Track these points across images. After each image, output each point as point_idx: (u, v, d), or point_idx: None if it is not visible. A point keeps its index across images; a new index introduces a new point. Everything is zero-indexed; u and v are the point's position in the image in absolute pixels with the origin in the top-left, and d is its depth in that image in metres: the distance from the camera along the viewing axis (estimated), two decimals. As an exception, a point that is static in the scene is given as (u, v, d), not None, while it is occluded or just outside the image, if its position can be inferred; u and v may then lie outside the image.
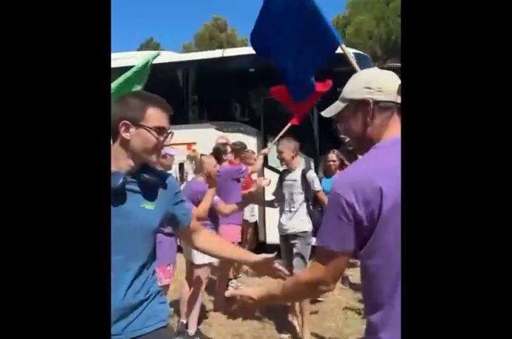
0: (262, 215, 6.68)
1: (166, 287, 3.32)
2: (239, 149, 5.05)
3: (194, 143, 6.92)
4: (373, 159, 1.29)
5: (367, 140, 1.35)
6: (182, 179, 3.95)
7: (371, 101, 1.32)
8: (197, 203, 3.52)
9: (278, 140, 4.77)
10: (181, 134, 6.95)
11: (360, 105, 1.34)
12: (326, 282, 1.29)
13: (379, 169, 1.23)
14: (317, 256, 1.30)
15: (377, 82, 1.32)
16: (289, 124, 4.85)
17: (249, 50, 7.38)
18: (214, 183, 3.54)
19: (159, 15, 55.33)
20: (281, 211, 4.02)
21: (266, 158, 6.47)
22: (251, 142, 6.45)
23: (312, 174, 3.98)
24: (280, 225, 4.02)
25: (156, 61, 7.54)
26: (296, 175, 3.96)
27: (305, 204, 3.95)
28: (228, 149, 4.69)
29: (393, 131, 1.32)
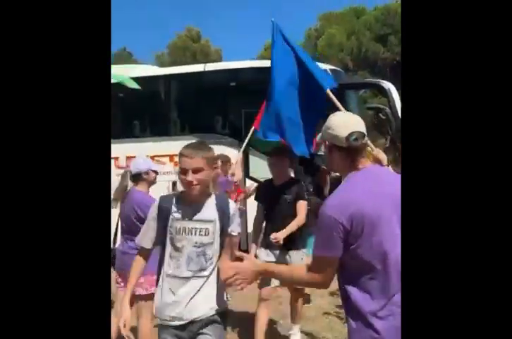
0: (244, 223, 6.85)
1: (153, 295, 3.30)
2: (226, 160, 5.23)
3: (177, 155, 7.05)
4: (350, 187, 1.67)
5: (338, 169, 1.79)
6: None
7: (327, 142, 1.73)
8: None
9: (246, 147, 4.85)
10: (164, 146, 7.11)
11: (324, 143, 1.77)
12: (325, 283, 1.65)
13: (357, 195, 1.60)
14: (315, 266, 1.65)
15: (334, 130, 1.70)
16: (252, 128, 4.47)
17: (229, 65, 7.63)
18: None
19: (132, 25, 54.95)
20: (170, 277, 2.18)
21: (247, 168, 6.69)
22: (233, 153, 6.62)
23: (233, 208, 2.24)
24: (165, 304, 2.17)
25: (139, 74, 7.69)
26: (210, 212, 2.18)
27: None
28: (219, 163, 4.86)
29: (357, 164, 1.70)
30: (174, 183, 3.79)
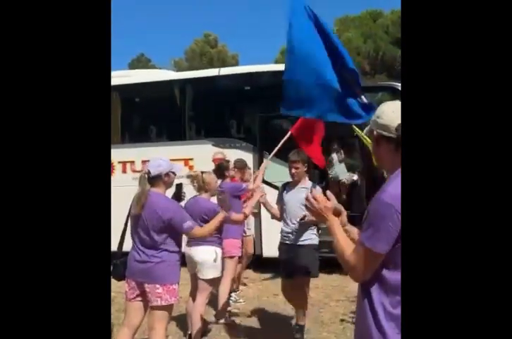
0: (259, 228, 6.82)
1: (171, 306, 3.16)
2: (242, 166, 5.20)
3: (192, 159, 7.09)
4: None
5: (384, 164, 1.62)
6: (179, 199, 3.76)
7: (375, 132, 1.58)
8: (203, 221, 3.67)
9: (274, 155, 4.78)
10: (179, 150, 7.16)
11: (371, 133, 1.61)
12: (357, 275, 1.49)
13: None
14: (360, 255, 1.47)
15: (383, 118, 1.56)
16: (285, 137, 4.50)
17: (244, 69, 7.66)
18: (226, 208, 3.50)
19: (150, 31, 55.65)
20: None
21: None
22: (247, 158, 6.61)
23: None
24: None
25: (155, 79, 7.75)
26: None
27: None
28: (231, 165, 4.84)
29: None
30: (179, 186, 3.62)
